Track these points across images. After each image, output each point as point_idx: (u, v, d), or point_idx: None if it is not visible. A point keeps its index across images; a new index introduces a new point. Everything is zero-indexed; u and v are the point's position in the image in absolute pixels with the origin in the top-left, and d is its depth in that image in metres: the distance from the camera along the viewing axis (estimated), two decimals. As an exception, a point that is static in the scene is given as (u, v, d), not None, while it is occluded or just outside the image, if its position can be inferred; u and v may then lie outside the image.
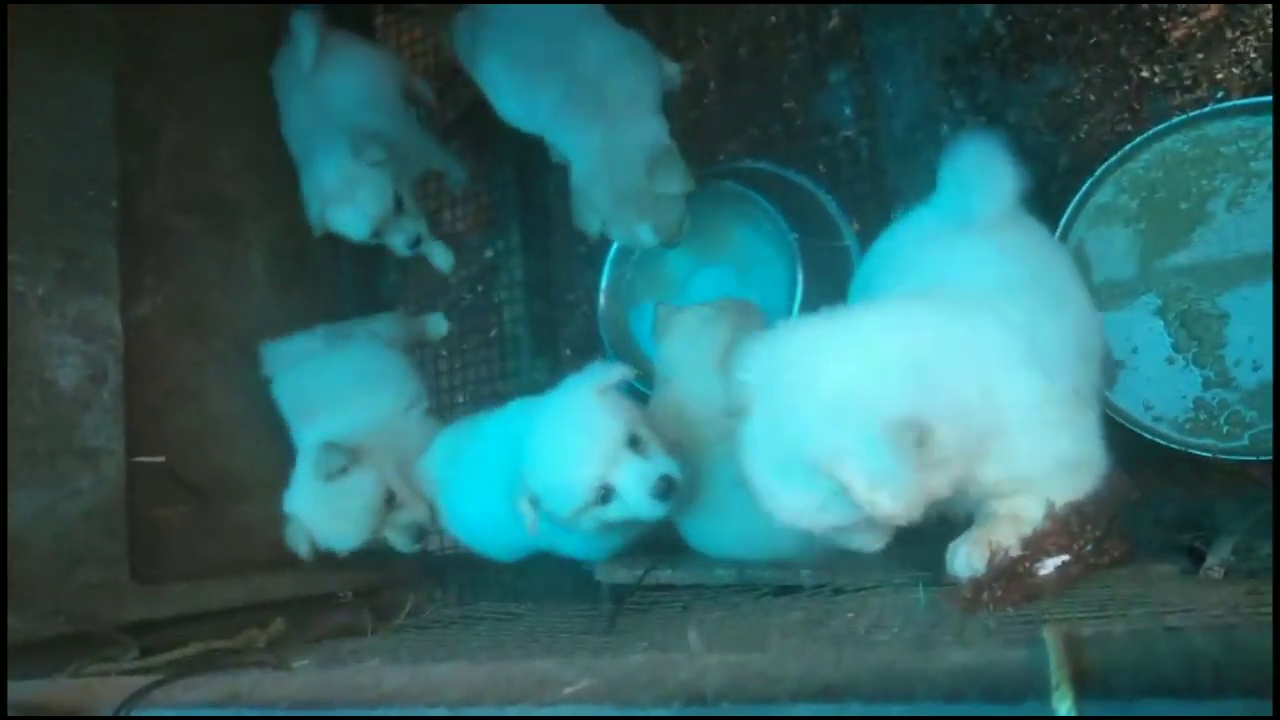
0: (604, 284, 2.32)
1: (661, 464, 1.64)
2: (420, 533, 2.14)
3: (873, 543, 1.34)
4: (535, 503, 1.67)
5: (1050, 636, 0.62)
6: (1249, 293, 1.82)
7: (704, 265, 2.27)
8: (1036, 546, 1.29)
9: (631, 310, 2.34)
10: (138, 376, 2.20)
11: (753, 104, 2.50)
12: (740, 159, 2.32)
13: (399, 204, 2.24)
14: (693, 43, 2.75)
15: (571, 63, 2.08)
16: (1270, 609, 0.99)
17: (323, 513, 2.08)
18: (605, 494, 1.63)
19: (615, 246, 2.31)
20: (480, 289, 2.66)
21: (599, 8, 2.19)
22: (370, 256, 2.66)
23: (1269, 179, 1.85)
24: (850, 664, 0.69)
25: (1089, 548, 1.31)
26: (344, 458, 2.05)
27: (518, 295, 2.45)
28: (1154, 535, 1.64)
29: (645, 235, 2.06)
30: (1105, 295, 1.91)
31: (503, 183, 2.49)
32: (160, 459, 2.20)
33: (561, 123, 2.12)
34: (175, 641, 1.95)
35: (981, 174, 1.55)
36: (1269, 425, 1.79)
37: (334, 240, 2.39)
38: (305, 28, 2.32)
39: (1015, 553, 1.30)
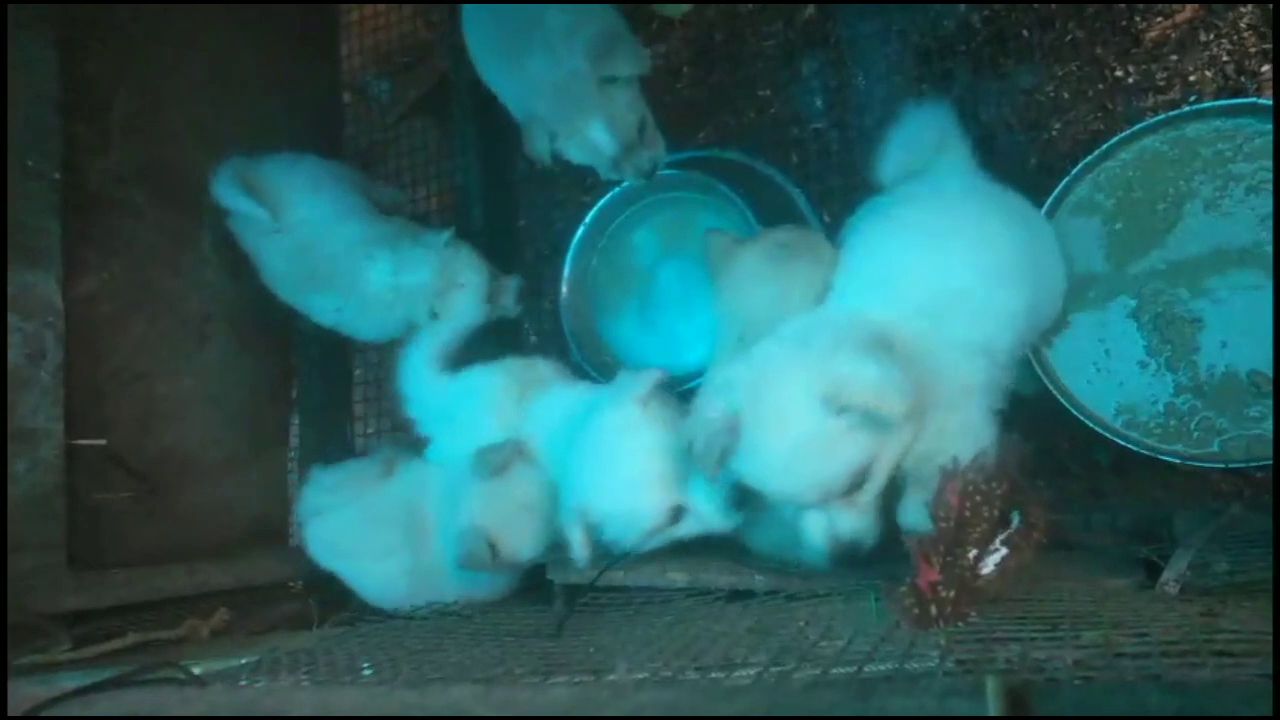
0: (566, 273, 2.25)
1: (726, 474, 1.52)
2: None
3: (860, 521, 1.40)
4: (591, 529, 1.60)
5: (993, 690, 0.58)
6: (1223, 295, 1.81)
7: (669, 256, 2.22)
8: (962, 537, 1.27)
9: (596, 299, 2.29)
10: (80, 356, 2.12)
11: (727, 90, 2.44)
12: (709, 148, 2.26)
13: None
14: (666, 25, 2.69)
15: None
16: (1224, 637, 0.96)
17: (501, 510, 1.86)
18: (677, 513, 1.57)
19: (579, 235, 2.24)
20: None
21: None
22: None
23: (1246, 181, 1.82)
24: (786, 709, 0.65)
25: (1015, 523, 1.29)
26: (504, 453, 1.85)
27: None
28: (1111, 544, 1.62)
29: (599, 136, 1.83)
30: (1080, 291, 1.89)
31: (466, 164, 2.41)
32: (101, 442, 2.13)
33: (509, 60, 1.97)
34: (113, 632, 1.89)
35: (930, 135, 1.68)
36: (1240, 432, 1.77)
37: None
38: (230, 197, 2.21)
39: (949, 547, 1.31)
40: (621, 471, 1.57)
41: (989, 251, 1.56)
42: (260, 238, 2.26)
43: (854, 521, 1.42)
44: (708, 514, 1.56)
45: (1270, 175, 1.79)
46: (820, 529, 1.43)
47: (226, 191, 2.20)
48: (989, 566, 1.29)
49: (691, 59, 2.58)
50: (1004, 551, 1.28)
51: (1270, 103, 1.79)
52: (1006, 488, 1.30)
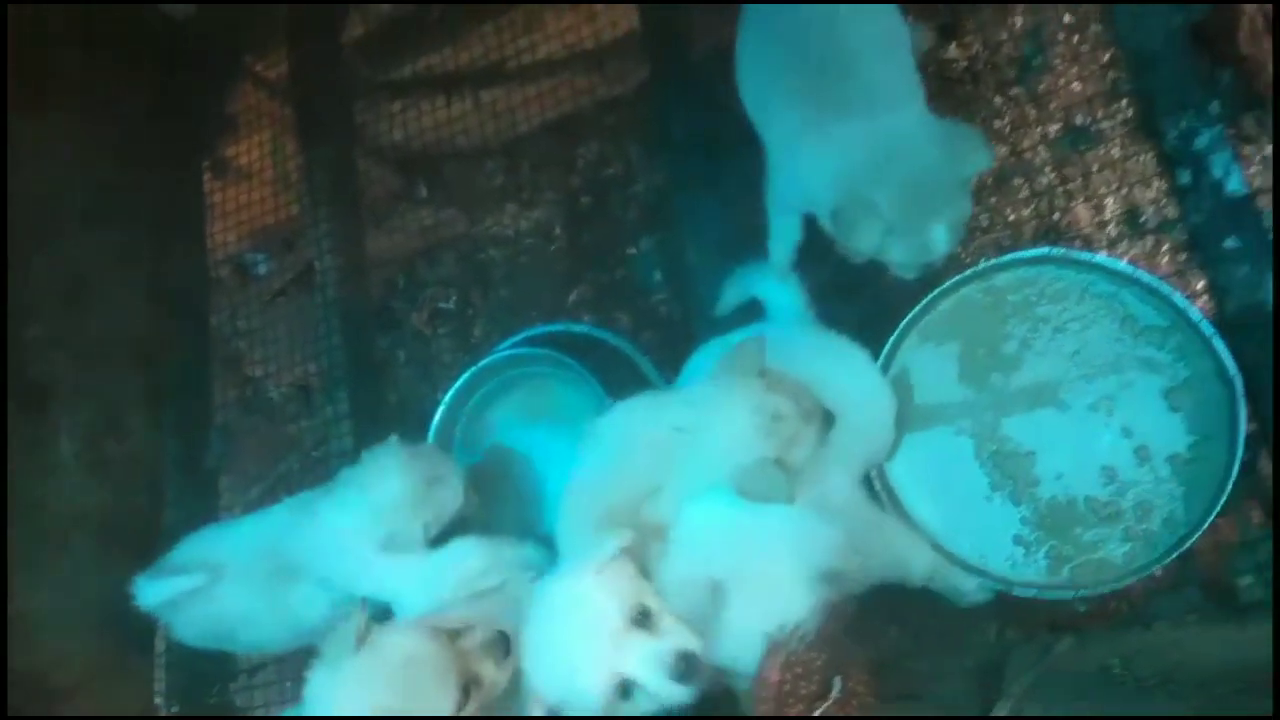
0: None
1: (676, 637, 1.41)
2: None
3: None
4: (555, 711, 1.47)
5: None
6: (1049, 428, 1.91)
7: (526, 430, 2.26)
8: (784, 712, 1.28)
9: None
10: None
11: (598, 250, 2.56)
12: (561, 320, 2.34)
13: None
14: (537, 193, 2.83)
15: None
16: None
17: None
18: (626, 688, 1.41)
19: (441, 409, 2.27)
20: (315, 454, 2.59)
21: None
22: (190, 427, 2.56)
23: (1054, 322, 1.96)
24: None
25: (835, 692, 1.31)
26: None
27: (346, 465, 2.36)
28: (960, 691, 1.65)
29: (940, 240, 1.66)
30: (924, 431, 1.98)
31: (330, 349, 2.45)
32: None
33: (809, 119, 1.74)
34: None
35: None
36: (1086, 557, 1.85)
37: (156, 414, 2.29)
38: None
39: None
40: (560, 646, 1.46)
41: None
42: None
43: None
44: (655, 688, 1.41)
45: (1073, 316, 1.94)
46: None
47: (155, 589, 2.04)
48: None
49: (564, 222, 2.71)
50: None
51: (1063, 251, 1.96)
52: (827, 657, 1.32)
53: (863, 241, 1.67)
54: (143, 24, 2.79)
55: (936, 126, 1.70)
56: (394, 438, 1.91)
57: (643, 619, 1.42)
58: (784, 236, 1.94)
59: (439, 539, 1.87)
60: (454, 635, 1.53)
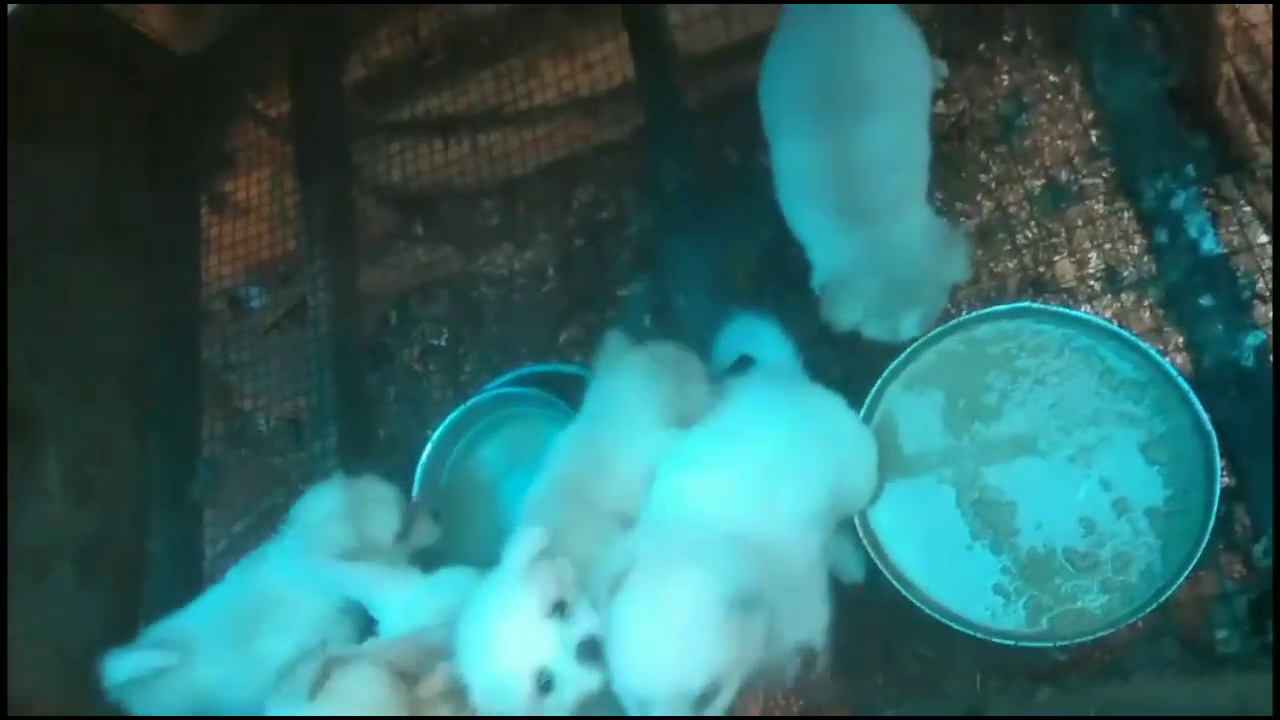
0: (415, 492, 2.26)
1: (582, 622, 1.45)
2: None
3: None
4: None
5: None
6: (1029, 479, 1.93)
7: (514, 469, 2.27)
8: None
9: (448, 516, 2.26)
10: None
11: (590, 291, 2.59)
12: (552, 360, 2.36)
13: None
14: (532, 233, 2.87)
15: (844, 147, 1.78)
16: None
17: None
18: (544, 679, 1.42)
19: (429, 447, 2.28)
20: (301, 489, 2.58)
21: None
22: (177, 458, 2.56)
23: (1034, 375, 2.00)
24: None
25: None
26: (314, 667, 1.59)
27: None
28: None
29: (911, 326, 1.87)
30: (906, 479, 2.00)
31: (321, 385, 2.46)
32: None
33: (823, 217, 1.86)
34: None
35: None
36: (1065, 607, 1.86)
37: (143, 439, 2.29)
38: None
39: None
40: (482, 639, 1.48)
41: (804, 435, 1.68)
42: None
43: None
44: (566, 675, 1.44)
45: (1052, 369, 1.98)
46: None
47: (126, 665, 1.99)
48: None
49: (557, 263, 2.75)
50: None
51: (1042, 306, 2.00)
52: (808, 701, 1.32)
53: (842, 318, 1.84)
54: (146, 58, 2.84)
55: (933, 229, 1.84)
56: (338, 474, 2.03)
57: (558, 610, 1.45)
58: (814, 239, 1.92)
59: (427, 567, 1.90)
60: (412, 682, 1.55)
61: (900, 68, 1.83)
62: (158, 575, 2.53)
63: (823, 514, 1.68)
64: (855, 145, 1.75)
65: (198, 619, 2.03)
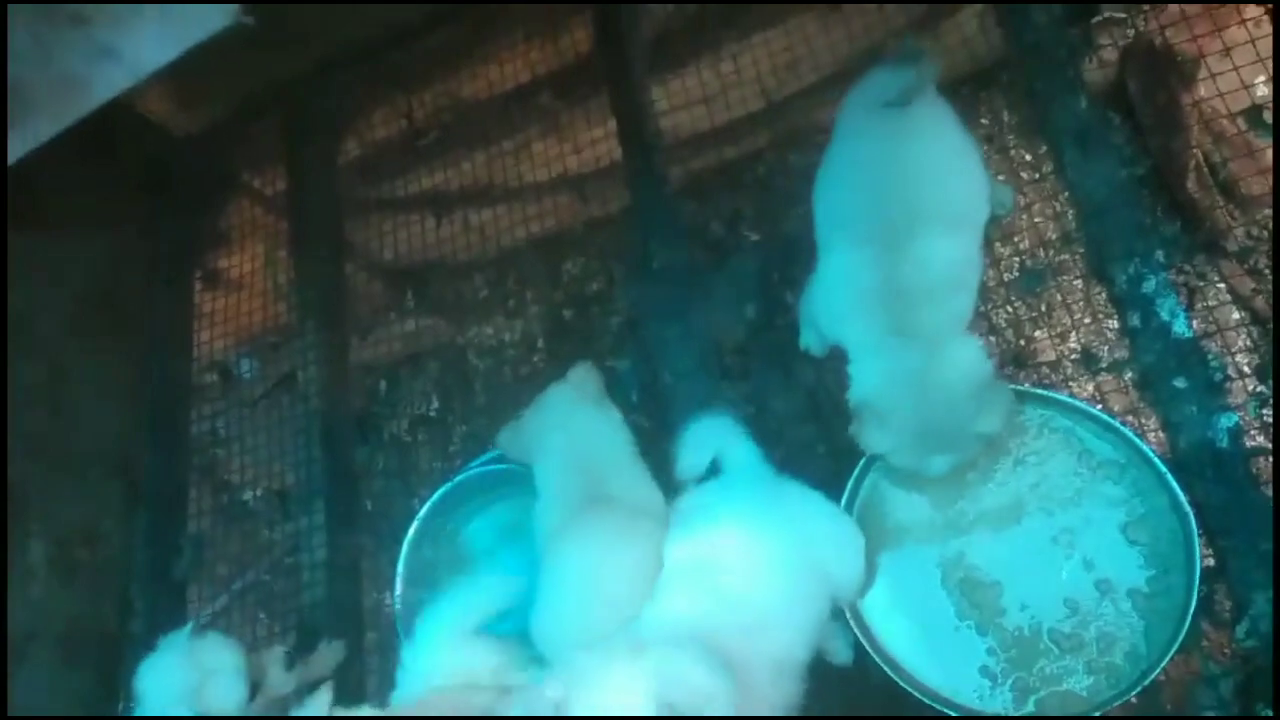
0: (400, 569, 2.26)
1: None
2: None
3: None
4: None
5: None
6: (1012, 555, 1.93)
7: (505, 542, 2.27)
8: None
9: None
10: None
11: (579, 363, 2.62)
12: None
13: None
14: (523, 305, 2.91)
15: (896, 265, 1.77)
16: None
17: None
18: None
19: (414, 529, 2.28)
20: (287, 561, 2.58)
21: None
22: (163, 535, 2.55)
23: (1014, 455, 2.01)
24: None
25: None
26: None
27: (319, 577, 2.37)
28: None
29: (939, 467, 1.88)
30: (895, 552, 2.00)
31: (309, 458, 2.47)
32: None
33: (871, 333, 1.85)
34: None
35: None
36: (1051, 689, 1.85)
37: (130, 518, 2.28)
38: None
39: None
40: None
41: (772, 565, 1.66)
42: None
43: None
44: None
45: (1031, 449, 1.99)
46: None
47: None
48: None
49: (546, 334, 2.78)
50: None
51: (1021, 388, 2.02)
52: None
53: (872, 444, 1.86)
54: (145, 140, 2.90)
55: (977, 369, 1.82)
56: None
57: None
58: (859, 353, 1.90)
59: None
60: None
61: (962, 191, 1.84)
62: (138, 656, 2.49)
63: (802, 623, 1.67)
64: (911, 266, 1.75)
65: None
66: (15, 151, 1.90)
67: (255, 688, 1.95)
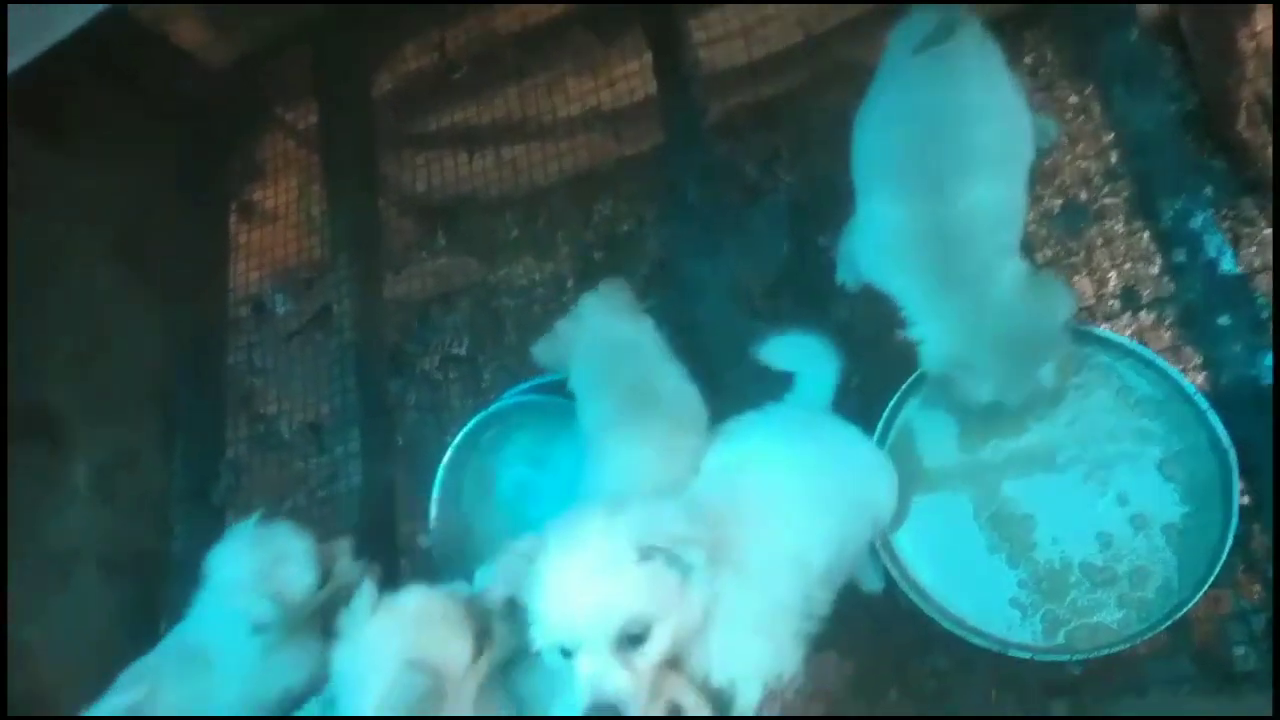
0: (436, 493, 2.29)
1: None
2: None
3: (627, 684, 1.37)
4: None
5: None
6: (1046, 489, 1.94)
7: (535, 475, 2.30)
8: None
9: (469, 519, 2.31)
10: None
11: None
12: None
13: None
14: (553, 245, 2.91)
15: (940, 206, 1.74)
16: None
17: None
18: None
19: (450, 453, 2.31)
20: (321, 494, 2.62)
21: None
22: (201, 462, 2.60)
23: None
24: None
25: None
26: None
27: (353, 503, 2.41)
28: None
29: (1049, 377, 1.82)
30: (926, 487, 2.02)
31: (343, 388, 2.50)
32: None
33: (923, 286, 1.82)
34: None
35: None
36: (1081, 621, 1.87)
37: (168, 443, 2.33)
38: None
39: None
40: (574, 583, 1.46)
41: (810, 477, 1.66)
42: None
43: (622, 681, 1.35)
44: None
45: (1070, 385, 1.96)
46: (586, 678, 1.37)
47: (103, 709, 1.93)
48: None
49: (575, 276, 2.78)
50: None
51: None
52: (824, 710, 1.33)
53: (975, 397, 1.84)
54: (179, 71, 2.90)
55: (1025, 278, 1.80)
56: (256, 515, 2.00)
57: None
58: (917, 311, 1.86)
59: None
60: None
61: (1008, 136, 1.80)
62: (179, 576, 2.55)
63: (826, 554, 1.64)
64: (958, 212, 1.73)
65: (161, 655, 2.02)
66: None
67: (325, 574, 1.95)
